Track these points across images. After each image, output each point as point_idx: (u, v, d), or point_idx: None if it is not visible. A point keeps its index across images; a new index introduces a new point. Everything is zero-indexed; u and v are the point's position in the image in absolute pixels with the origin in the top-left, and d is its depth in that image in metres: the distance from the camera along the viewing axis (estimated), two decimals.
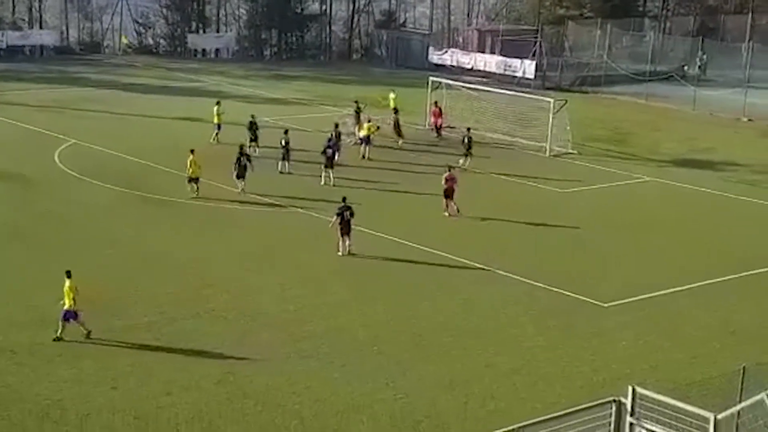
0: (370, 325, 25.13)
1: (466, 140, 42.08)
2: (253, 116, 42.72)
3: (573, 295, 27.60)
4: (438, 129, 48.04)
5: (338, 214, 30.10)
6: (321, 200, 35.12)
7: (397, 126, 46.28)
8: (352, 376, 22.25)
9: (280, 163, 39.66)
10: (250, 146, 40.51)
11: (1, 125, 47.11)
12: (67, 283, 23.30)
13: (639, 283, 28.83)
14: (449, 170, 35.40)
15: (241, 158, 36.19)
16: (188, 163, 35.41)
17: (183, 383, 21.58)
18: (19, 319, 24.49)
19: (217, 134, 43.46)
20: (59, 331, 23.22)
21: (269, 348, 23.49)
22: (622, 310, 26.93)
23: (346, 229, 30.07)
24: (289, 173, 39.49)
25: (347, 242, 30.13)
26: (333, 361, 22.90)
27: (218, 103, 45.33)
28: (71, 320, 23.20)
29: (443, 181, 34.87)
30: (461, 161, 41.47)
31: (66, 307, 23.19)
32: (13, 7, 76.32)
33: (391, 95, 50.17)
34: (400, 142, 45.76)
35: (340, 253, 30.08)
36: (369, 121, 44.17)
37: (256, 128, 42.11)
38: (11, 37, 72.10)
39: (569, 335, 25.09)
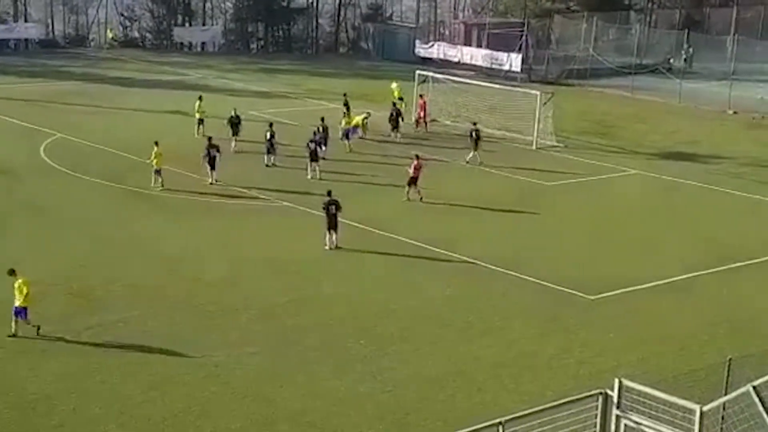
0: (357, 318, 25.11)
1: (473, 135, 41.87)
2: (234, 110, 42.61)
3: (559, 287, 27.63)
4: (418, 121, 47.87)
5: (324, 208, 30.04)
6: (307, 193, 35.09)
7: (395, 118, 45.66)
8: (339, 369, 22.22)
9: (265, 156, 39.61)
10: (231, 140, 40.72)
11: None
12: (19, 280, 23.12)
13: (625, 275, 28.87)
14: (416, 159, 35.97)
15: (210, 150, 36.33)
16: (152, 155, 35.60)
17: (170, 377, 21.52)
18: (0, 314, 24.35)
19: (200, 128, 43.27)
20: (13, 328, 23.07)
21: (256, 342, 23.45)
22: (608, 302, 26.97)
23: (332, 222, 30.02)
24: (274, 165, 39.45)
25: (334, 236, 30.08)
26: (320, 354, 22.87)
27: (200, 98, 45.17)
28: (21, 317, 23.05)
29: (411, 170, 35.36)
30: (469, 156, 41.48)
31: (17, 303, 23.06)
32: None
33: (393, 85, 50.07)
34: (398, 136, 45.29)
35: (327, 247, 30.03)
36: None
37: (238, 122, 41.99)
38: None
39: (556, 328, 25.12)
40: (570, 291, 27.42)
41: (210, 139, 37.29)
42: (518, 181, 39.75)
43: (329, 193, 30.62)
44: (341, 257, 29.68)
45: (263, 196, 35.46)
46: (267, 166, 39.37)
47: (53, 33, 77.72)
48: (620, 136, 49.36)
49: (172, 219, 32.89)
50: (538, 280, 28.12)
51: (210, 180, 36.23)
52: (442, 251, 30.24)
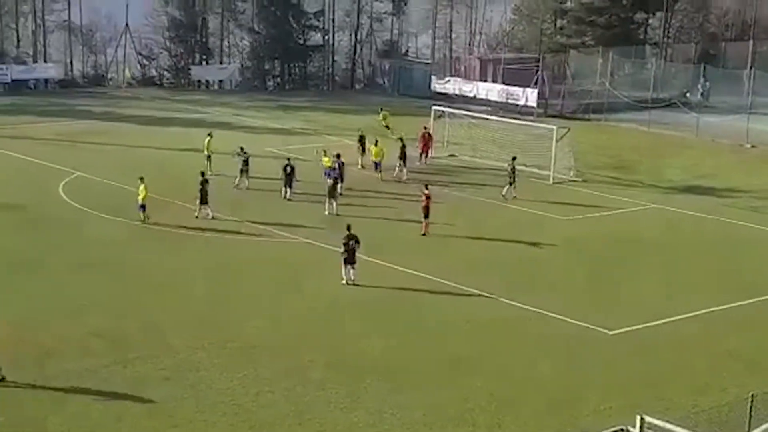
0: (374, 354, 25.00)
1: (510, 169, 41.91)
2: (241, 147, 42.83)
3: (577, 322, 27.47)
4: (422, 155, 47.70)
5: (344, 243, 30.06)
6: (324, 229, 35.12)
7: (402, 153, 45.40)
8: (355, 405, 22.11)
9: (283, 189, 39.76)
10: (239, 177, 41.59)
11: (6, 158, 47.20)
12: None
13: (644, 310, 28.70)
14: (426, 188, 36.35)
15: (204, 185, 36.86)
16: (139, 191, 36.05)
17: (188, 416, 21.45)
18: (18, 352, 24.34)
19: (209, 165, 43.25)
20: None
21: (273, 379, 23.37)
22: (628, 337, 26.78)
23: (350, 258, 30.03)
24: (289, 199, 39.65)
25: (351, 271, 30.07)
26: (337, 391, 22.76)
27: (210, 134, 45.31)
28: None
29: (422, 200, 35.66)
30: (504, 190, 41.47)
31: None
32: (18, 40, 76.67)
33: (380, 115, 50.05)
34: (404, 172, 44.93)
35: (344, 282, 30.01)
36: (376, 144, 44.53)
37: (247, 159, 42.19)
38: (16, 71, 72.34)
39: (575, 363, 24.94)
40: (588, 326, 27.25)
41: (203, 173, 37.75)
42: (535, 215, 39.67)
43: (348, 228, 30.64)
44: (357, 292, 29.59)
45: (281, 232, 35.46)
46: (287, 199, 39.51)
47: (72, 73, 78.34)
48: (637, 170, 49.26)
49: (190, 255, 32.93)
50: (555, 314, 27.97)
51: (196, 214, 36.63)
52: (458, 285, 30.13)
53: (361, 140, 46.47)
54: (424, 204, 35.80)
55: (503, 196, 41.44)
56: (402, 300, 29.26)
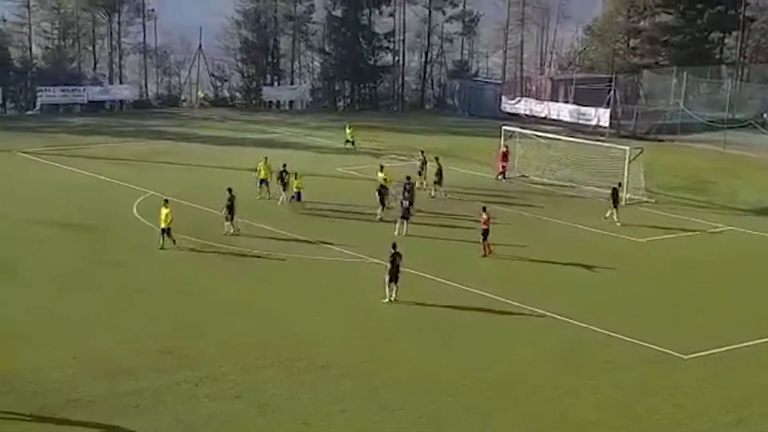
0: (441, 375, 24.92)
1: (612, 192, 41.30)
2: (284, 165, 43.30)
3: (649, 345, 27.10)
4: (502, 173, 47.73)
5: (391, 261, 30.19)
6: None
7: (439, 173, 45.03)
8: (428, 427, 22.04)
9: (379, 210, 40.64)
10: (280, 194, 42.29)
11: (82, 178, 48.17)
12: None
13: (719, 334, 28.22)
14: (484, 211, 36.05)
15: (232, 201, 37.37)
16: (162, 214, 35.27)
17: None
18: (92, 369, 24.79)
19: (263, 187, 43.57)
20: None
21: (344, 399, 23.43)
22: (703, 362, 26.33)
23: (395, 274, 30.12)
24: (382, 221, 40.03)
25: (394, 288, 30.14)
26: (409, 412, 22.72)
27: (265, 159, 45.19)
28: None
29: (482, 224, 35.52)
30: (608, 213, 40.94)
31: None
32: (95, 62, 78.40)
33: (347, 130, 49.69)
34: (444, 192, 44.67)
35: (385, 300, 30.11)
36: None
37: (286, 177, 42.67)
38: (92, 92, 73.98)
39: (647, 387, 24.57)
40: (661, 349, 26.85)
41: (230, 190, 38.01)
42: (606, 236, 39.26)
43: (394, 246, 30.81)
44: (416, 311, 29.55)
45: (351, 251, 35.59)
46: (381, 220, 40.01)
47: (147, 94, 79.84)
48: (712, 191, 48.52)
49: (257, 276, 33.21)
50: (627, 338, 27.62)
51: (227, 230, 37.06)
52: (526, 306, 29.94)
53: (424, 161, 46.38)
54: (483, 227, 35.56)
55: (605, 219, 40.66)
56: (467, 319, 29.14)
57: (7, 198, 43.54)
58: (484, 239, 35.58)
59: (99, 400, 22.97)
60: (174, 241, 35.26)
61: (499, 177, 48.26)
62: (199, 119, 70.17)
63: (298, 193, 42.46)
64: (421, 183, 45.32)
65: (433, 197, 44.16)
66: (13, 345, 26.10)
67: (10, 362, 24.89)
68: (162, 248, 35.09)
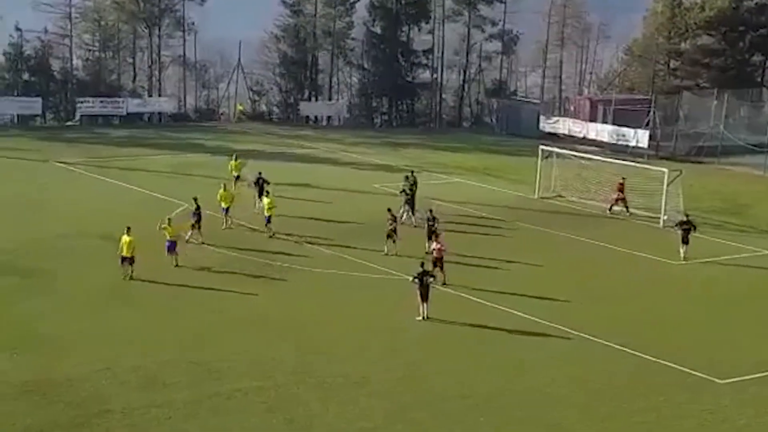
0: (473, 395, 24.80)
1: (680, 224, 39.29)
2: (260, 173, 44.00)
3: (685, 369, 26.84)
4: (616, 203, 46.16)
5: (419, 280, 30.19)
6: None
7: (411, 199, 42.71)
8: None
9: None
10: (256, 201, 42.15)
11: (119, 190, 48.63)
12: None
13: (758, 359, 27.89)
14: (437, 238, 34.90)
15: (198, 211, 37.89)
16: (122, 241, 33.29)
17: None
18: (126, 380, 24.97)
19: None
20: None
21: (375, 416, 23.41)
22: (740, 387, 26.04)
23: (425, 294, 30.12)
24: (415, 226, 40.16)
25: (425, 307, 30.15)
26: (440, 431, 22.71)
27: (235, 155, 47.30)
28: None
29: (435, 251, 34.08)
30: (681, 250, 38.66)
31: None
32: (134, 75, 79.19)
33: (232, 163, 48.93)
34: (413, 218, 41.87)
35: (419, 318, 30.06)
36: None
37: (264, 185, 42.91)
38: (131, 105, 74.73)
39: (683, 412, 24.34)
40: (697, 374, 26.60)
41: (195, 199, 38.41)
42: (644, 258, 38.98)
43: (422, 265, 30.86)
44: (452, 331, 29.47)
45: (383, 267, 35.61)
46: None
47: (185, 107, 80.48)
48: (753, 215, 48.07)
49: (289, 290, 33.27)
50: (663, 361, 27.38)
51: (186, 238, 37.26)
52: (562, 327, 29.79)
53: (414, 184, 44.13)
54: (436, 255, 33.61)
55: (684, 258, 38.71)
56: (499, 338, 29.03)
57: (44, 209, 43.97)
58: (440, 268, 33.32)
59: (132, 411, 23.12)
60: (131, 272, 33.19)
61: (614, 208, 46.13)
62: (237, 133, 70.58)
63: (268, 218, 39.67)
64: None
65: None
66: (49, 356, 26.38)
67: (46, 373, 25.16)
68: (126, 279, 33.12)
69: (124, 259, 33.21)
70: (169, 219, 35.75)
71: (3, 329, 28.38)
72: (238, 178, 47.00)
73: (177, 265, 34.77)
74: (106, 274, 33.57)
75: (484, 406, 24.18)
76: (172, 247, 34.83)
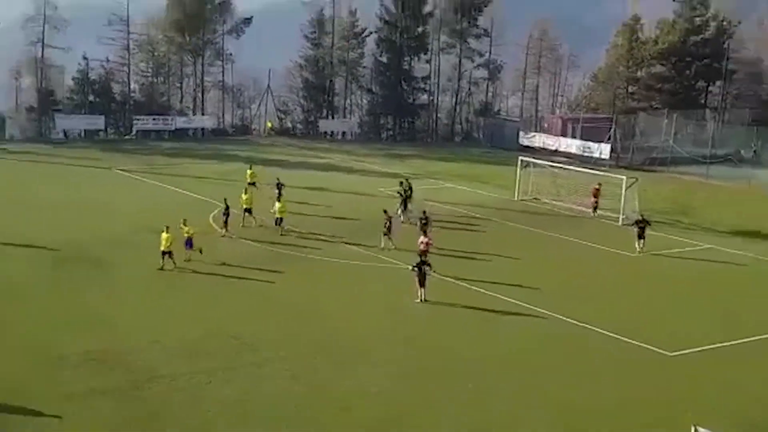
0: (462, 362, 24.76)
1: (639, 225, 38.79)
2: (278, 178, 44.05)
3: (638, 343, 26.79)
4: (594, 208, 45.60)
5: (417, 268, 30.05)
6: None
7: (404, 201, 41.96)
8: (453, 406, 21.94)
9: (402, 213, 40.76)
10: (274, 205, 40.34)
11: (168, 192, 48.66)
12: None
13: (702, 335, 27.83)
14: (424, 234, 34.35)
15: (228, 210, 37.68)
16: (162, 238, 32.55)
17: (306, 417, 21.54)
18: (172, 351, 24.94)
19: (247, 217, 40.80)
20: None
21: (381, 381, 23.36)
22: (685, 359, 25.97)
23: (422, 280, 30.01)
24: (407, 224, 39.99)
25: (423, 291, 30.06)
26: (440, 396, 22.61)
27: (250, 168, 46.98)
28: None
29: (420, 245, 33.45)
30: (637, 245, 38.37)
31: None
32: (181, 96, 79.34)
33: (248, 171, 48.16)
34: (404, 217, 41.27)
35: (417, 301, 29.95)
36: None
37: (281, 188, 42.85)
38: (179, 121, 74.88)
39: (636, 378, 24.28)
40: (648, 347, 26.54)
41: (225, 200, 38.17)
42: (606, 251, 38.91)
43: (420, 255, 31.02)
44: (447, 311, 29.40)
45: (384, 258, 35.53)
46: (402, 222, 39.48)
47: (223, 123, 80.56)
48: (697, 215, 47.97)
49: (316, 279, 33.17)
50: (620, 336, 27.32)
51: (222, 233, 37.47)
52: (535, 308, 29.73)
53: (410, 189, 43.32)
54: (423, 248, 33.08)
55: (640, 251, 38.32)
56: (486, 317, 29.00)
57: (109, 209, 43.91)
58: (424, 258, 31.26)
59: (178, 376, 23.16)
60: (174, 264, 32.64)
61: (594, 213, 45.52)
62: (266, 145, 70.63)
63: (280, 219, 38.87)
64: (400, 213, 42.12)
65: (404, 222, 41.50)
66: (106, 331, 26.40)
67: (104, 344, 25.19)
68: (162, 268, 32.52)
69: (164, 252, 32.84)
70: (184, 220, 34.77)
71: (71, 308, 28.42)
72: (253, 184, 46.36)
73: (188, 260, 33.42)
74: (157, 264, 33.52)
75: (471, 372, 24.16)
76: (189, 243, 34.08)
